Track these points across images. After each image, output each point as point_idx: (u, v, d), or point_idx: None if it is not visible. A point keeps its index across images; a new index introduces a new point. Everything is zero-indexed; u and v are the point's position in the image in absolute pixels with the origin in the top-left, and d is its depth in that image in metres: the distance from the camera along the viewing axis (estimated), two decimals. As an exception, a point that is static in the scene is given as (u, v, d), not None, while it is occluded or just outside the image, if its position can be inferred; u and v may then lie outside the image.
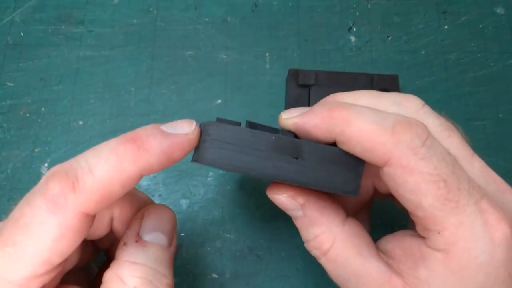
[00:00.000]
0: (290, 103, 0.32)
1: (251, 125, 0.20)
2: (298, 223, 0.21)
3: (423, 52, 0.36)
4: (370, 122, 0.18)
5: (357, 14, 0.37)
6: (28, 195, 0.17)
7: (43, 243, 0.16)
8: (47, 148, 0.33)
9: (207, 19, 0.37)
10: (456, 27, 0.37)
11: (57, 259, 0.17)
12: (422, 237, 0.19)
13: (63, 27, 0.36)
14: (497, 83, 0.35)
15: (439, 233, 0.18)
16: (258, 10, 0.37)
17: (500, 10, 0.37)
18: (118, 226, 0.21)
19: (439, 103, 0.35)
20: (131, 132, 0.18)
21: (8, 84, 0.35)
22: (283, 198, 0.20)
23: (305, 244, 0.22)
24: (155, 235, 0.19)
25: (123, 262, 0.18)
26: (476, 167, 0.20)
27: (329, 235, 0.20)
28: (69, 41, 0.36)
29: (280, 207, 0.21)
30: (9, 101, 0.34)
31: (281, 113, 0.20)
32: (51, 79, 0.35)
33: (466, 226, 0.17)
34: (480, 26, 0.37)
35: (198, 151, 0.18)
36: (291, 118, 0.20)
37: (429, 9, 0.37)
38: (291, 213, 0.21)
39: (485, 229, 0.17)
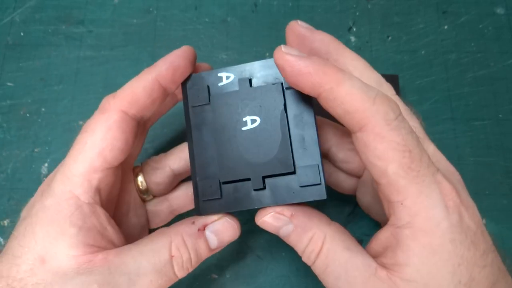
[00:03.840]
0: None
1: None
2: (292, 238, 0.23)
3: (423, 52, 0.36)
4: (357, 87, 0.19)
5: (357, 14, 0.37)
6: None
7: (97, 135, 0.22)
8: (47, 148, 0.33)
9: (207, 19, 0.37)
10: (456, 27, 0.37)
11: (109, 153, 0.22)
12: (391, 225, 0.21)
13: (63, 27, 0.36)
14: (497, 83, 0.35)
15: (402, 203, 0.19)
16: (258, 10, 0.37)
17: (500, 10, 0.37)
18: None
19: (439, 103, 0.35)
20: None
21: (8, 84, 0.35)
22: (270, 219, 0.22)
23: (302, 257, 0.23)
24: (213, 237, 0.23)
25: (180, 234, 0.23)
26: (430, 149, 0.22)
27: (320, 232, 0.22)
28: (69, 41, 0.36)
29: (271, 231, 0.23)
30: (9, 101, 0.34)
31: (282, 45, 0.21)
32: (51, 79, 0.35)
33: (425, 195, 0.19)
34: (480, 26, 0.37)
35: (196, 207, 0.24)
36: (289, 54, 0.20)
37: (429, 9, 0.37)
38: (283, 231, 0.23)
39: (440, 197, 0.19)
